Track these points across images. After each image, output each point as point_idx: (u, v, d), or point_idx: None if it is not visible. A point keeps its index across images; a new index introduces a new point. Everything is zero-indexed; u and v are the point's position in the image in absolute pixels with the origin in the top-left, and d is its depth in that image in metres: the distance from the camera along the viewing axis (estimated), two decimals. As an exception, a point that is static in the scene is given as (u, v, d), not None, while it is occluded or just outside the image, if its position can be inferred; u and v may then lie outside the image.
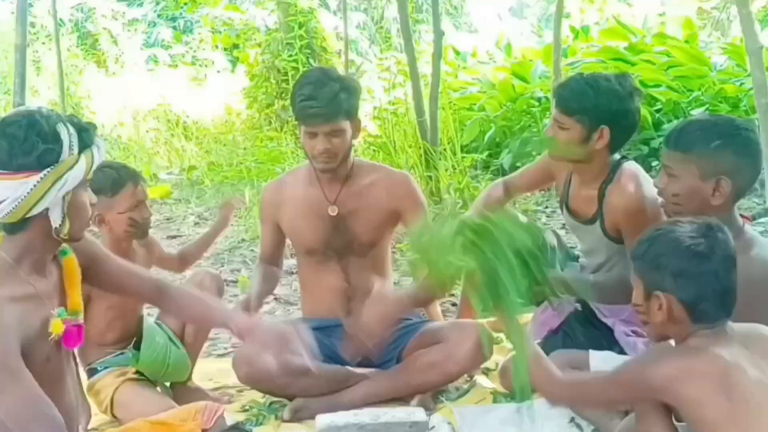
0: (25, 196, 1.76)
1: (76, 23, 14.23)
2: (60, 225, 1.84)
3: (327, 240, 2.84)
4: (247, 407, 2.84)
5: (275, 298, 4.35)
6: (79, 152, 1.83)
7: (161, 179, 8.12)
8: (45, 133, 1.78)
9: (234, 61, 12.49)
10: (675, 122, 6.28)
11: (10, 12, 10.09)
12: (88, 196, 1.93)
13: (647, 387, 1.81)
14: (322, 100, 2.66)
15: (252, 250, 5.37)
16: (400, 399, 2.78)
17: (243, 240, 5.64)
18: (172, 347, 2.81)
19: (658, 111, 6.68)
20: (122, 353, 2.78)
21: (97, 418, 2.73)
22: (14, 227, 1.83)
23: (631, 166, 2.74)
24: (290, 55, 9.08)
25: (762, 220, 4.74)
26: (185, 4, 14.19)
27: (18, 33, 5.29)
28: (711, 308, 1.81)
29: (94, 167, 1.88)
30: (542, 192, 6.23)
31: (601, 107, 2.61)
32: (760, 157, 2.26)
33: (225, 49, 13.08)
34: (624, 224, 2.63)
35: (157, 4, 15.71)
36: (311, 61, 9.30)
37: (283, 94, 9.22)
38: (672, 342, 1.93)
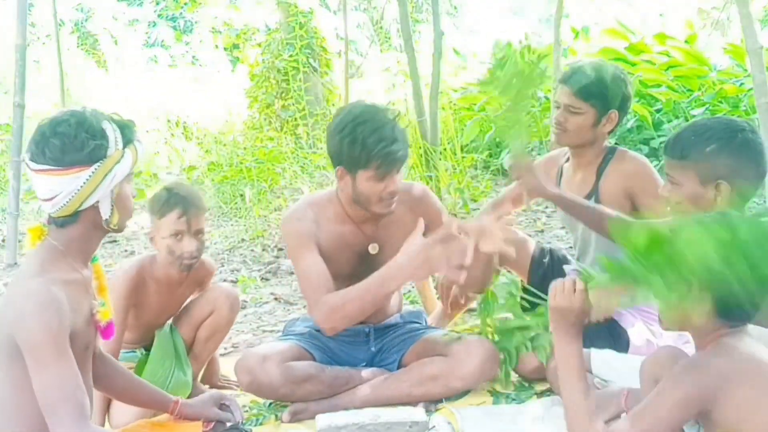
0: (78, 190, 1.88)
1: (76, 23, 14.23)
2: (109, 216, 1.96)
3: (360, 274, 2.70)
4: (247, 407, 2.83)
5: (275, 298, 4.35)
6: (124, 147, 1.94)
7: (161, 179, 8.12)
8: (93, 130, 1.89)
9: (234, 61, 12.48)
10: (675, 122, 6.29)
11: (10, 12, 10.09)
12: (131, 190, 2.04)
13: (703, 394, 1.70)
14: (403, 142, 2.62)
15: (252, 250, 5.37)
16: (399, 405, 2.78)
17: (243, 240, 5.65)
18: (174, 372, 2.79)
19: (658, 111, 6.67)
20: (133, 351, 2.80)
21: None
22: (65, 220, 1.93)
23: (626, 149, 3.05)
24: (290, 55, 9.08)
25: (762, 220, 4.73)
26: (185, 4, 14.18)
27: (18, 33, 5.28)
28: (742, 307, 1.74)
29: (138, 161, 2.00)
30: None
31: (614, 92, 2.87)
32: (763, 157, 2.22)
33: (225, 49, 13.07)
34: (636, 185, 2.82)
35: (157, 4, 15.69)
36: (311, 61, 9.29)
37: (283, 94, 9.21)
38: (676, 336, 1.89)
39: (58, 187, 1.88)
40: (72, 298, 1.89)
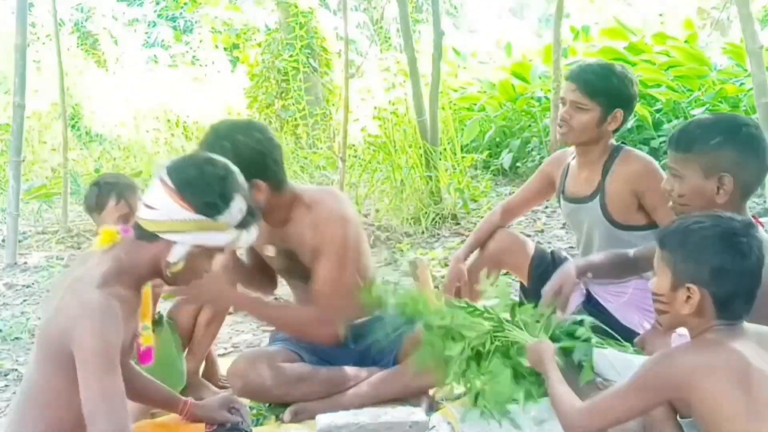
0: (172, 220, 1.91)
1: (76, 23, 14.22)
2: (173, 263, 1.95)
3: (282, 269, 2.90)
4: (246, 407, 2.83)
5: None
6: (237, 226, 1.95)
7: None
8: (226, 191, 1.94)
9: (234, 61, 12.48)
10: (675, 122, 6.29)
11: (10, 12, 10.08)
12: (208, 266, 2.03)
13: (666, 386, 1.77)
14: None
15: (252, 250, 5.36)
16: (399, 400, 2.79)
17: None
18: (171, 364, 2.80)
19: (658, 111, 6.67)
20: None
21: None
22: (145, 234, 1.94)
23: (632, 148, 3.05)
24: (290, 55, 9.08)
25: (762, 219, 4.74)
26: (185, 4, 14.17)
27: (18, 33, 5.29)
28: (739, 306, 1.80)
29: (236, 247, 2.04)
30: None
31: (620, 91, 2.89)
32: (766, 154, 2.24)
33: (225, 49, 13.06)
34: (643, 186, 2.82)
35: (157, 4, 15.69)
36: (311, 61, 9.29)
37: (283, 94, 9.22)
38: (677, 333, 1.91)
39: (162, 204, 1.92)
40: (125, 316, 1.90)
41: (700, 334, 1.82)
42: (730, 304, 1.78)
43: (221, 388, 3.02)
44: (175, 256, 1.95)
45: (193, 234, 1.92)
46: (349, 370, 2.85)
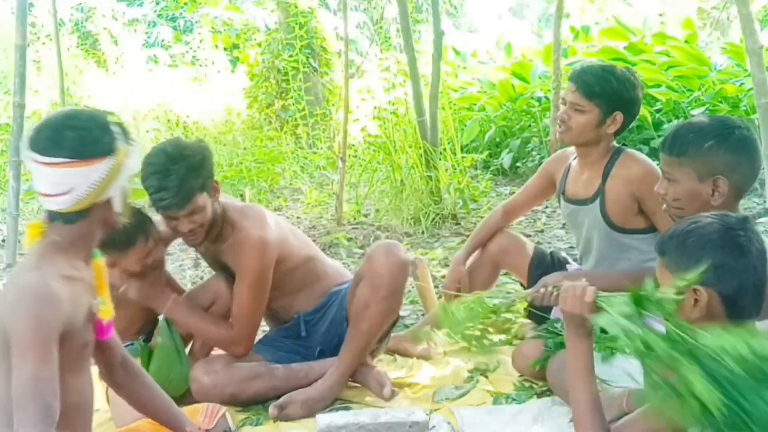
0: (98, 181, 1.86)
1: (76, 23, 14.22)
2: (120, 212, 1.95)
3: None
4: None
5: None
6: (126, 144, 1.94)
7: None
8: (104, 124, 1.91)
9: (234, 61, 12.48)
10: (675, 122, 6.29)
11: (10, 12, 10.09)
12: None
13: None
14: (169, 190, 2.62)
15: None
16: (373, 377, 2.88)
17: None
18: (175, 367, 2.82)
19: (658, 111, 6.68)
20: (132, 344, 2.81)
21: (97, 415, 2.74)
22: (74, 216, 1.89)
23: (633, 150, 3.01)
24: (290, 55, 9.08)
25: (762, 220, 4.74)
26: (185, 4, 14.18)
27: (18, 33, 5.27)
28: (748, 304, 1.76)
29: (139, 159, 2.00)
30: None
31: (620, 93, 2.85)
32: (758, 154, 2.25)
33: (225, 49, 13.06)
34: (643, 191, 2.77)
35: (157, 4, 15.69)
36: (311, 61, 9.30)
37: (283, 94, 9.22)
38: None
39: (76, 180, 1.85)
40: (71, 295, 1.85)
41: None
42: (739, 302, 1.74)
43: None
44: (118, 205, 1.94)
45: (119, 177, 1.90)
46: (315, 363, 2.91)
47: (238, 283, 2.81)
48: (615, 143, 2.99)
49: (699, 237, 1.77)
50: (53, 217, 1.91)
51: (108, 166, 1.87)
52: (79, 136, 1.86)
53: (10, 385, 1.77)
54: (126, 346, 2.77)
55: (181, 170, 2.61)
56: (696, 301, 1.74)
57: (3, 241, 5.80)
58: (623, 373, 2.51)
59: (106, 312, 2.01)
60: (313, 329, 3.01)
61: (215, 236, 2.83)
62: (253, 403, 2.81)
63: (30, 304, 1.77)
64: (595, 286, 2.27)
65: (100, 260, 2.05)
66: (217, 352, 2.97)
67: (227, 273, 2.92)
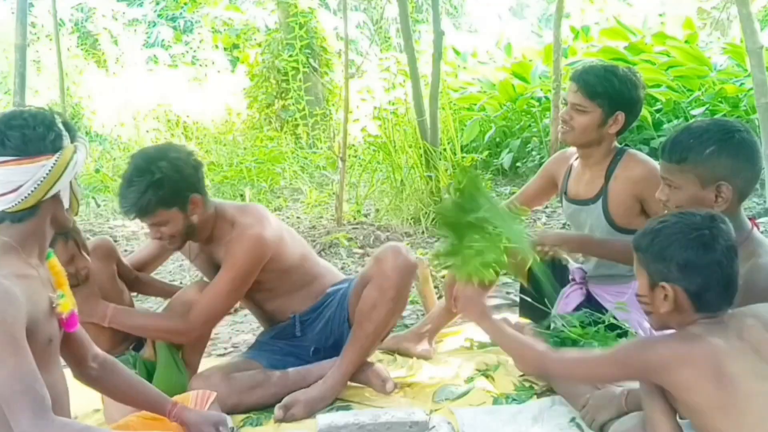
0: (44, 178, 1.86)
1: (76, 23, 14.23)
2: (68, 208, 1.96)
3: None
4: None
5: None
6: (73, 141, 1.93)
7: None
8: (49, 122, 1.89)
9: (234, 61, 12.49)
10: (675, 122, 6.29)
11: (10, 12, 10.09)
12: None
13: (642, 367, 1.87)
14: (127, 200, 2.67)
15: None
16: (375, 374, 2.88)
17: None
18: (175, 375, 2.80)
19: (658, 111, 6.68)
20: (123, 355, 2.79)
21: (98, 415, 2.75)
22: (23, 214, 1.89)
23: (635, 150, 3.03)
24: (290, 55, 9.09)
25: (762, 219, 4.74)
26: (185, 4, 14.20)
27: (18, 33, 5.28)
28: (715, 298, 1.85)
29: (87, 156, 1.98)
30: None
31: (622, 94, 2.86)
32: (759, 156, 2.23)
33: (225, 49, 13.08)
34: (646, 191, 2.77)
35: (157, 4, 15.71)
36: (311, 61, 9.30)
37: (283, 94, 9.23)
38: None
39: (22, 177, 1.85)
40: (28, 291, 1.85)
41: (684, 328, 1.88)
42: (705, 297, 1.84)
43: None
44: (67, 200, 1.96)
45: (65, 173, 1.90)
46: (311, 367, 2.91)
47: (220, 272, 2.79)
48: (617, 143, 2.99)
49: (665, 237, 1.89)
50: (1, 217, 1.91)
51: (54, 162, 1.87)
52: (22, 134, 1.86)
53: None
54: (117, 357, 2.78)
55: (141, 185, 2.64)
56: (665, 296, 1.86)
57: None
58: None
59: (65, 305, 2.00)
60: (308, 329, 3.01)
61: (207, 238, 2.84)
62: (254, 410, 2.80)
63: None
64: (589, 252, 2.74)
65: (54, 259, 2.06)
66: (211, 363, 2.96)
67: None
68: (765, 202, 5.14)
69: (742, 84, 6.49)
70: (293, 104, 8.97)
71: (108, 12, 14.19)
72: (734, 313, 1.87)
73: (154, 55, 13.96)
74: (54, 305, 1.96)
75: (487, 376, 2.96)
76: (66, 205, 1.95)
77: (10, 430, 1.77)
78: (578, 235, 3.04)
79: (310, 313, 3.01)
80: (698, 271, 1.83)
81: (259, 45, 10.08)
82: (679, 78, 6.82)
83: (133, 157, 2.78)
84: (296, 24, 9.18)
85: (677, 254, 1.84)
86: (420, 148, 5.91)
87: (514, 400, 2.77)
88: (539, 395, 2.76)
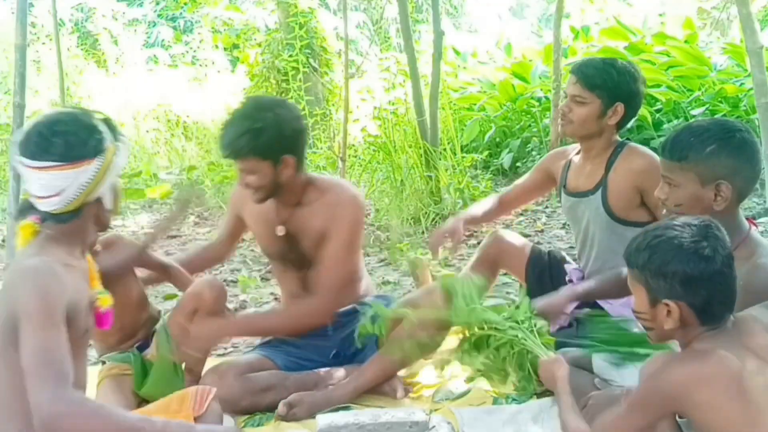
0: (87, 183, 1.95)
1: (76, 23, 14.22)
2: (110, 209, 2.06)
3: (280, 253, 2.93)
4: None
5: (275, 298, 4.36)
6: (115, 141, 2.03)
7: (161, 179, 8.13)
8: (89, 126, 1.98)
9: (234, 61, 12.48)
10: (675, 122, 6.29)
11: (10, 12, 10.09)
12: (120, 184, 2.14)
13: (661, 402, 1.78)
14: (225, 138, 2.71)
15: (252, 250, 5.37)
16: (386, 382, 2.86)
17: (243, 240, 5.64)
18: (172, 380, 2.76)
19: (658, 111, 6.68)
20: (124, 352, 2.79)
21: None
22: (66, 216, 1.99)
23: (636, 144, 3.03)
24: (290, 55, 9.08)
25: (762, 219, 4.74)
26: (185, 4, 14.18)
27: (18, 33, 5.27)
28: (719, 309, 1.81)
29: (128, 155, 2.08)
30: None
31: (621, 85, 2.88)
32: (759, 156, 2.23)
33: (225, 49, 13.06)
34: (646, 183, 2.78)
35: (157, 4, 15.70)
36: (311, 61, 9.30)
37: (283, 94, 9.21)
38: (674, 344, 1.93)
39: (65, 182, 1.93)
40: (73, 281, 1.92)
41: (688, 343, 1.83)
42: (710, 309, 1.79)
43: None
44: (109, 202, 2.04)
45: (106, 176, 1.99)
46: (325, 371, 2.88)
47: (329, 244, 2.79)
48: (618, 137, 3.00)
49: (663, 252, 1.81)
50: (45, 217, 1.99)
51: (96, 166, 1.95)
52: (65, 141, 1.93)
53: (13, 377, 1.80)
54: (120, 353, 2.78)
55: (241, 128, 2.66)
56: (669, 312, 1.80)
57: (3, 241, 5.80)
58: (623, 372, 2.50)
59: (105, 300, 2.09)
60: (337, 331, 2.94)
61: (292, 201, 2.84)
62: (264, 411, 2.77)
63: (35, 280, 1.84)
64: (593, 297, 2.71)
65: (90, 257, 2.14)
66: (212, 362, 2.93)
67: (287, 244, 2.88)
68: (765, 202, 5.14)
69: (742, 84, 6.50)
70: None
71: (108, 12, 14.17)
72: (736, 320, 1.84)
73: (154, 55, 13.95)
74: (93, 299, 2.05)
75: (486, 377, 2.96)
76: (108, 206, 2.04)
77: (21, 408, 1.79)
78: (574, 292, 2.83)
79: (346, 316, 2.95)
80: (702, 285, 1.77)
81: (259, 45, 10.07)
82: (679, 78, 6.82)
83: (246, 98, 2.84)
84: (296, 24, 9.17)
85: (679, 270, 1.77)
86: (420, 148, 5.91)
87: (514, 400, 2.77)
88: (539, 395, 2.76)
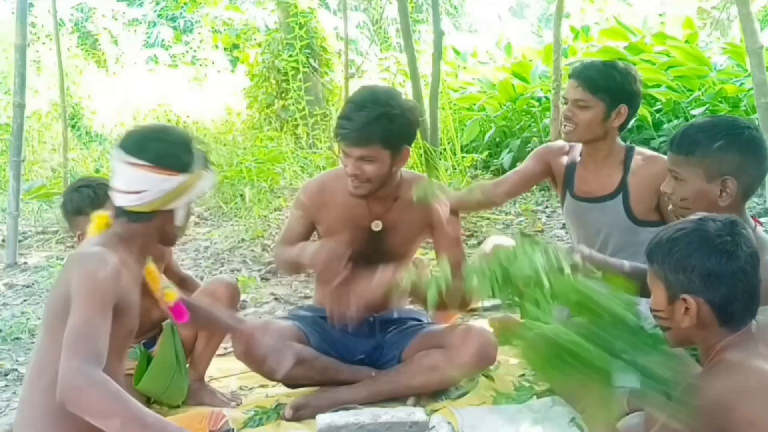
0: (167, 191, 2.05)
1: (76, 23, 14.22)
2: (180, 226, 2.15)
3: (363, 251, 2.77)
4: (249, 409, 2.83)
5: (275, 298, 4.36)
6: (204, 169, 2.13)
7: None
8: (186, 145, 2.10)
9: (234, 61, 12.49)
10: (675, 122, 6.29)
11: (10, 12, 10.09)
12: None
13: (704, 419, 1.66)
14: (353, 123, 2.58)
15: (252, 250, 5.37)
16: (399, 399, 2.80)
17: (243, 240, 5.64)
18: (174, 377, 2.79)
19: (658, 111, 6.68)
20: (131, 347, 2.80)
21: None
22: (140, 216, 2.07)
23: (642, 147, 3.05)
24: (290, 55, 9.07)
25: (762, 219, 4.74)
26: (185, 4, 14.18)
27: (18, 33, 5.28)
28: (740, 310, 1.74)
29: (213, 186, 2.22)
30: (542, 191, 6.23)
31: (623, 87, 2.88)
32: (766, 155, 2.24)
33: (225, 49, 13.07)
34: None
35: (157, 4, 15.70)
36: (311, 61, 9.29)
37: (283, 94, 9.21)
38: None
39: (148, 184, 2.03)
40: (126, 278, 2.00)
41: (714, 356, 1.75)
42: (730, 309, 1.73)
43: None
44: (180, 219, 2.13)
45: (187, 193, 2.08)
46: (346, 366, 2.86)
47: (440, 232, 2.86)
48: (620, 141, 2.99)
49: (684, 246, 1.75)
50: (119, 213, 2.09)
51: (180, 180, 2.05)
52: (163, 147, 2.05)
53: (59, 353, 1.83)
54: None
55: (375, 112, 2.56)
56: (686, 309, 1.74)
57: (3, 241, 5.80)
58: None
59: (171, 294, 2.24)
60: (379, 335, 2.92)
61: (390, 195, 2.80)
62: (281, 382, 2.80)
63: (91, 264, 1.94)
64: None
65: (152, 265, 2.24)
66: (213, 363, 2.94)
67: (380, 239, 2.82)
68: (765, 202, 5.14)
69: (742, 84, 6.49)
70: (293, 104, 8.95)
71: (108, 12, 14.19)
72: (759, 324, 1.77)
73: (154, 55, 13.96)
74: (160, 295, 2.20)
75: (487, 376, 2.96)
76: (177, 222, 2.13)
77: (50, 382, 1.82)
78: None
79: (390, 323, 2.93)
80: (723, 281, 1.70)
81: (259, 45, 10.06)
82: (679, 78, 6.82)
83: (362, 88, 2.75)
84: (296, 24, 9.17)
85: (699, 263, 1.71)
86: (420, 148, 5.91)
87: (514, 400, 2.77)
88: (539, 395, 2.76)
